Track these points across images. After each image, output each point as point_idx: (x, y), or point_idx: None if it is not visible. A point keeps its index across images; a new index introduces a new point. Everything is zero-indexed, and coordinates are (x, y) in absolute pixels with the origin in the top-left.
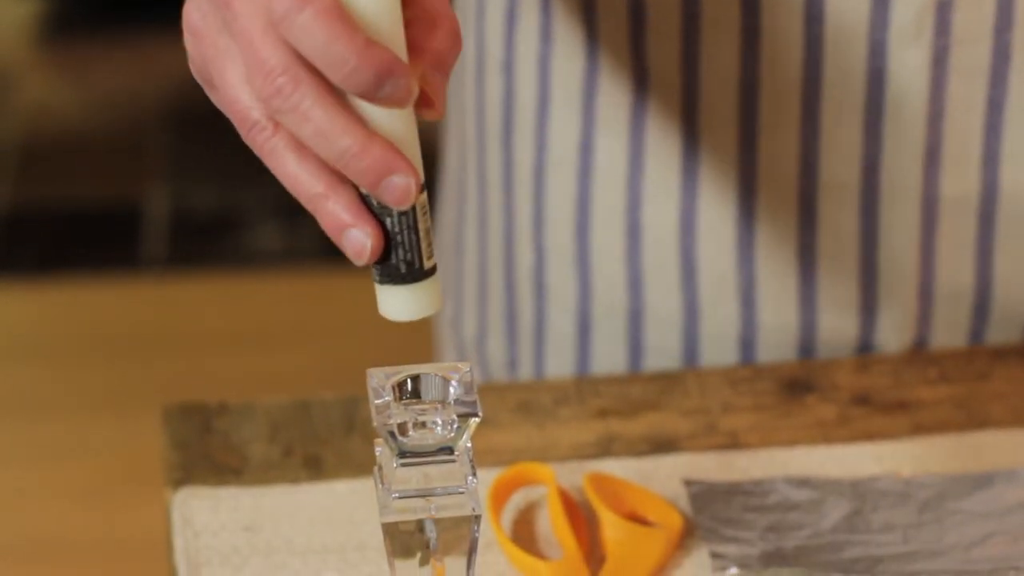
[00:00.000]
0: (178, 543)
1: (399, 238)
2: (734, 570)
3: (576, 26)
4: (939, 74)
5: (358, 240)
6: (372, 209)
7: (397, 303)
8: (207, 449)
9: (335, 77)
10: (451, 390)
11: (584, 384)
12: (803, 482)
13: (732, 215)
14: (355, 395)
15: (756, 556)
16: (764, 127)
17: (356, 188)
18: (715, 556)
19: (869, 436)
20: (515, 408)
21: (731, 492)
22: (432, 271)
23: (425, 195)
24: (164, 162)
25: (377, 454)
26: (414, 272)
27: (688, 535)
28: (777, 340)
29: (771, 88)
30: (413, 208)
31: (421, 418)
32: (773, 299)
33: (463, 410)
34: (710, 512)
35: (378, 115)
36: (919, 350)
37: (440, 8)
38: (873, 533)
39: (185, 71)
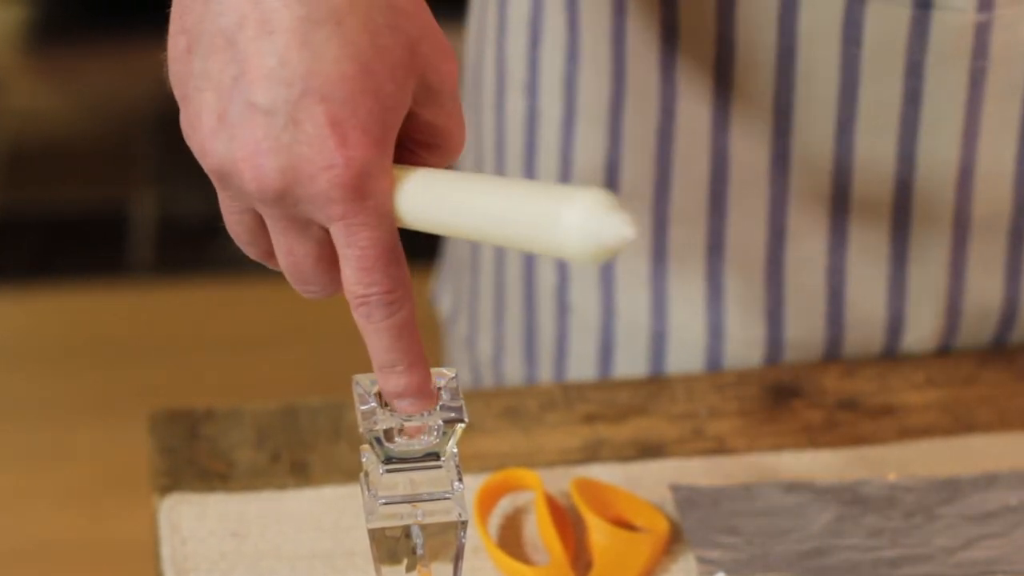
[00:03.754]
0: (165, 550)
1: None
2: (721, 575)
3: (604, 46)
4: (975, 95)
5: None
6: None
7: None
8: (194, 455)
9: (375, 366)
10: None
11: (570, 389)
12: (790, 487)
13: (761, 235)
14: (342, 400)
15: (743, 561)
16: (796, 148)
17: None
18: (702, 561)
19: (855, 441)
20: (501, 414)
21: (718, 497)
22: None
23: None
24: (151, 167)
25: (363, 460)
26: None
27: (675, 540)
28: (801, 359)
29: (805, 110)
30: None
31: (407, 424)
32: (801, 318)
33: (449, 416)
34: (697, 517)
35: None
36: (906, 356)
37: (456, 140)
38: (860, 538)
39: None
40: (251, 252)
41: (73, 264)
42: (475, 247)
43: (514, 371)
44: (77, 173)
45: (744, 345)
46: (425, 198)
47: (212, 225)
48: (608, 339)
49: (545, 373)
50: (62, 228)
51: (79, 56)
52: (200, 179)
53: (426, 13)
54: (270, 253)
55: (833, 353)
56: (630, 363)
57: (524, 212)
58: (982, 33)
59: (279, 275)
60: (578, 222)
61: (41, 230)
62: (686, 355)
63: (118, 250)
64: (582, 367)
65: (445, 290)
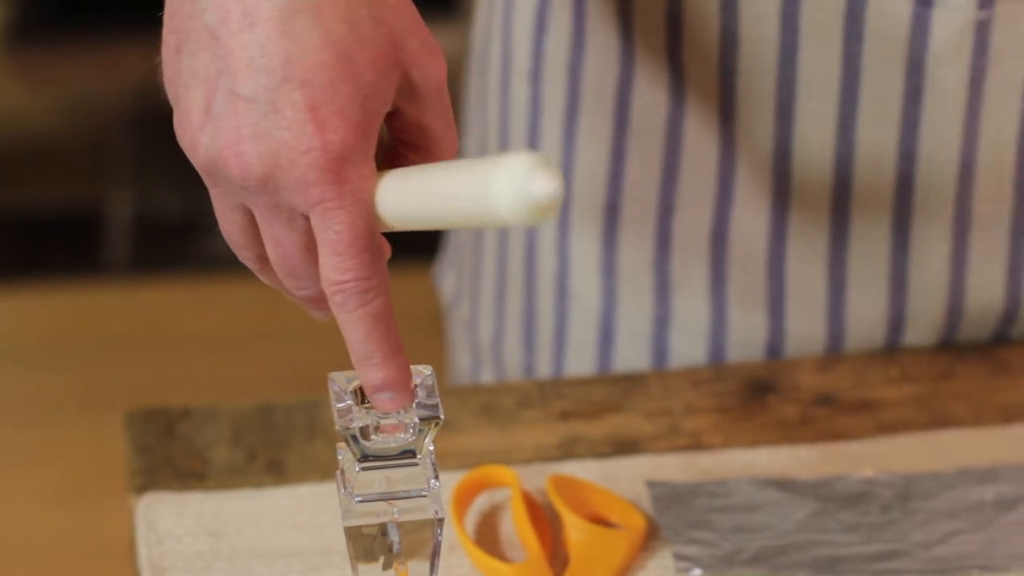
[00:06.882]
0: (142, 549)
1: None
2: (698, 571)
3: (610, 35)
4: (976, 92)
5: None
6: None
7: None
8: (170, 454)
9: (353, 358)
10: None
11: (547, 386)
12: (766, 483)
13: (764, 225)
14: (318, 398)
15: (720, 557)
16: (799, 139)
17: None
18: (679, 557)
19: (832, 436)
20: (477, 411)
21: (694, 493)
22: None
23: None
24: (128, 166)
25: (339, 458)
26: None
27: (651, 537)
28: (803, 350)
29: (806, 104)
30: None
31: (383, 421)
32: (802, 310)
33: (425, 413)
34: (673, 513)
35: None
36: (883, 350)
37: (444, 143)
38: (837, 533)
39: (148, 75)
40: (244, 256)
41: (49, 263)
42: (478, 230)
43: (513, 356)
44: (53, 172)
45: (747, 331)
46: (392, 196)
47: (189, 224)
48: (609, 325)
49: (544, 359)
50: (38, 227)
51: (55, 56)
52: (177, 178)
53: (412, 9)
54: (263, 258)
55: (835, 346)
56: (631, 349)
57: (461, 189)
58: (982, 31)
59: (254, 274)
60: (505, 185)
61: (17, 229)
62: (689, 341)
63: (94, 249)
64: (582, 353)
65: (448, 272)
